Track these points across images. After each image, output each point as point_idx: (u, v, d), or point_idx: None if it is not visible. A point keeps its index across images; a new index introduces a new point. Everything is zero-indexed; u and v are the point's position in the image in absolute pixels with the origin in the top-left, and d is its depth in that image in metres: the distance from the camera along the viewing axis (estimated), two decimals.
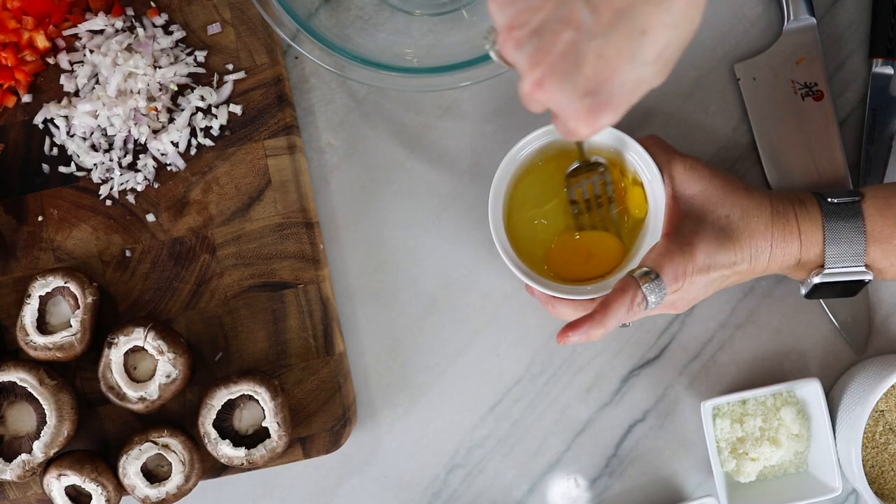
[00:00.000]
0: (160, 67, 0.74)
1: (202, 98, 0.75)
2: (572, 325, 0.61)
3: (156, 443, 0.72)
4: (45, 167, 0.76)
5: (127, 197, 0.76)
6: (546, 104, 0.52)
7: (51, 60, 0.76)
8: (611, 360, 0.78)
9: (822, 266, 0.66)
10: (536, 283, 0.68)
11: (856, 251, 0.65)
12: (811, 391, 0.74)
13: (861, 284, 0.67)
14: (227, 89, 0.76)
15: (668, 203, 0.67)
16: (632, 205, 0.70)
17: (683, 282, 0.63)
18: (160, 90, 0.75)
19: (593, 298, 0.68)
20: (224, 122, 0.75)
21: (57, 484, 0.71)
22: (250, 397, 0.72)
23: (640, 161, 0.68)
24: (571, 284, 0.69)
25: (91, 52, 0.75)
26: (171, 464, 0.72)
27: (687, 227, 0.65)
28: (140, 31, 0.75)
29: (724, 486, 0.73)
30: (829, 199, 0.66)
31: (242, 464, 0.72)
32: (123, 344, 0.71)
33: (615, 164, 0.70)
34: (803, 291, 0.69)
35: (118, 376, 0.72)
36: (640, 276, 0.62)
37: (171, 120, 0.75)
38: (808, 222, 0.66)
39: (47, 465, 0.72)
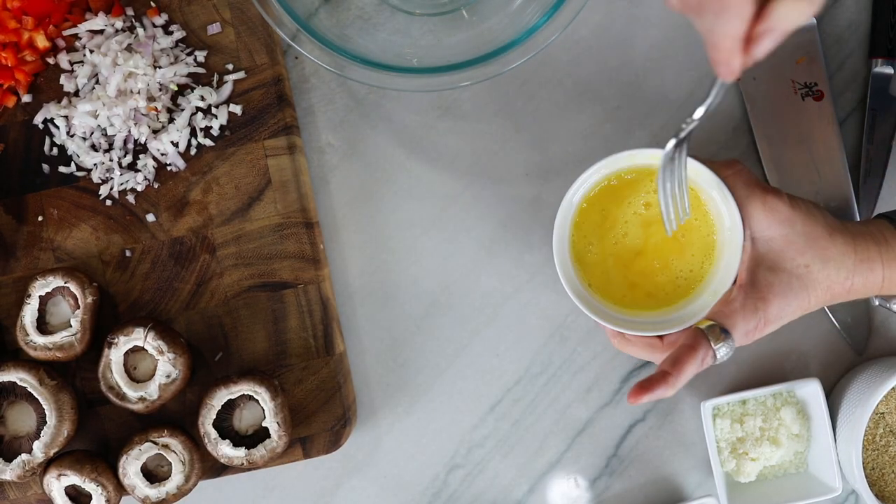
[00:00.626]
0: (160, 67, 0.74)
1: (202, 98, 0.75)
2: (644, 387, 0.59)
3: (156, 443, 0.72)
4: (45, 167, 0.76)
5: (127, 197, 0.76)
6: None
7: (51, 60, 0.76)
8: (611, 360, 0.78)
9: None
10: (601, 316, 0.66)
11: None
12: (811, 391, 0.74)
13: None
14: (227, 89, 0.76)
15: (745, 246, 0.63)
16: (699, 237, 0.68)
17: (753, 336, 0.61)
18: (160, 90, 0.75)
19: (659, 335, 0.66)
20: (224, 122, 0.75)
21: (57, 484, 0.71)
22: (250, 397, 0.72)
23: (720, 197, 0.65)
24: (632, 311, 0.68)
25: (91, 52, 0.75)
26: (171, 464, 0.72)
27: (762, 277, 0.61)
28: (140, 31, 0.75)
29: (724, 486, 0.73)
30: None
31: (242, 464, 0.72)
32: (123, 344, 0.71)
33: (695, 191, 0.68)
34: (876, 303, 0.66)
35: (118, 376, 0.72)
36: (709, 332, 0.60)
37: (171, 120, 0.75)
38: (893, 261, 0.61)
39: (47, 465, 0.72)
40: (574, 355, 0.78)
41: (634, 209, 0.68)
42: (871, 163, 0.76)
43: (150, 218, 0.76)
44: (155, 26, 0.75)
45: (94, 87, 0.75)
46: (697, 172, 0.65)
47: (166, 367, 0.71)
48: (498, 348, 0.78)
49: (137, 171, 0.76)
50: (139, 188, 0.76)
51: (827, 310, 0.76)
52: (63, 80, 0.76)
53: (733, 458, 0.75)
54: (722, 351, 0.60)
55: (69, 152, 0.76)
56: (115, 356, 0.72)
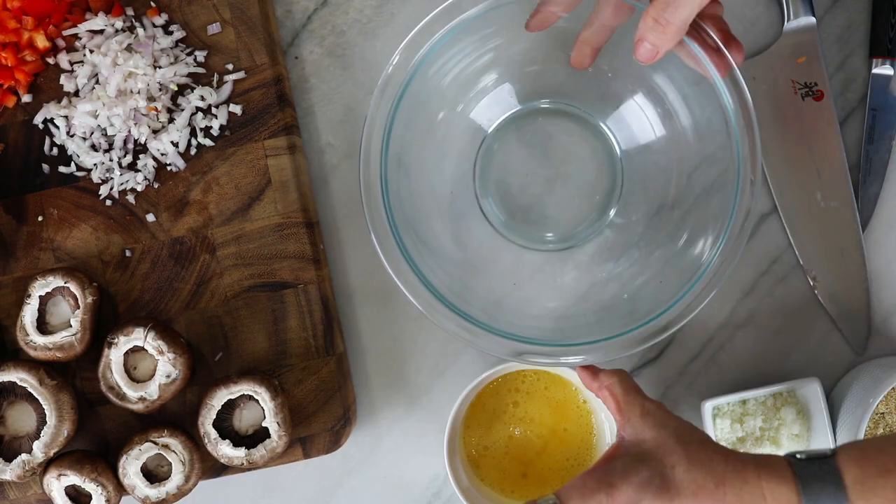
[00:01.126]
0: (160, 67, 0.74)
1: (202, 98, 0.75)
2: None
3: (156, 443, 0.72)
4: (45, 167, 0.76)
5: (127, 197, 0.76)
6: None
7: (51, 60, 0.76)
8: (610, 361, 0.78)
9: None
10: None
11: None
12: (811, 391, 0.74)
13: None
14: (227, 89, 0.76)
15: (612, 445, 0.63)
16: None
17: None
18: (160, 90, 0.75)
19: None
20: (224, 122, 0.75)
21: (57, 484, 0.71)
22: (250, 397, 0.72)
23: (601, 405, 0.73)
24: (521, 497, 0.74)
25: (91, 52, 0.75)
26: (171, 464, 0.72)
27: (619, 464, 0.59)
28: (140, 31, 0.75)
29: None
30: (798, 455, 0.58)
31: (242, 464, 0.72)
32: (123, 344, 0.71)
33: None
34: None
35: (118, 376, 0.72)
36: (540, 500, 0.59)
37: (171, 120, 0.75)
38: (774, 481, 0.56)
39: (47, 465, 0.72)
40: None
41: (508, 412, 0.75)
42: (870, 163, 0.76)
43: (150, 218, 0.76)
44: (155, 26, 0.75)
45: (94, 87, 0.75)
46: (572, 375, 0.73)
47: (166, 367, 0.71)
48: None
49: (137, 171, 0.76)
50: (139, 188, 0.76)
51: (827, 309, 0.76)
52: (63, 80, 0.76)
53: None
54: None
55: (69, 152, 0.76)
56: (115, 356, 0.72)
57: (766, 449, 0.74)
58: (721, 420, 0.75)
